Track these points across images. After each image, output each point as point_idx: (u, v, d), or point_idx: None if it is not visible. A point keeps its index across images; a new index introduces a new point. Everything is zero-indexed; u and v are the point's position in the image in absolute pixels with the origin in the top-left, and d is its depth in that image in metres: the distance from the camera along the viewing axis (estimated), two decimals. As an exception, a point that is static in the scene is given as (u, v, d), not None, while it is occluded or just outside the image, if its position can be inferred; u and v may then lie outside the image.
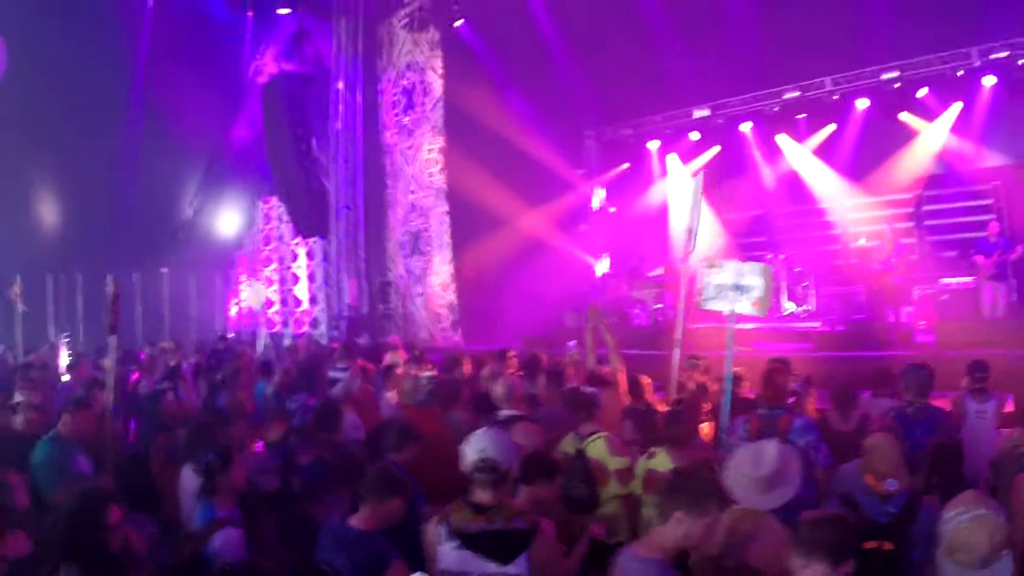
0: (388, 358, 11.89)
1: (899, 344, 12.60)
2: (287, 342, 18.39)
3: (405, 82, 20.14)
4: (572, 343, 11.15)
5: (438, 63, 19.20)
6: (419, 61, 19.71)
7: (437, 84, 19.20)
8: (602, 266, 21.01)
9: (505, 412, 6.55)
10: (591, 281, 20.83)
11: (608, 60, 18.17)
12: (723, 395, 6.28)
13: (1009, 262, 13.51)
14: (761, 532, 3.95)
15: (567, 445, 6.23)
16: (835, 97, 17.11)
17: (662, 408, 7.69)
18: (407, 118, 20.09)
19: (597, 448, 6.03)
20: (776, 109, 17.94)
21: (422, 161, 19.71)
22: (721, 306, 6.15)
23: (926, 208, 16.67)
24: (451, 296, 19.18)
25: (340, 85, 21.09)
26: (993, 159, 16.27)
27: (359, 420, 7.95)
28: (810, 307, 16.68)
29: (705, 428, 7.76)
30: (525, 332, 16.61)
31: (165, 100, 23.05)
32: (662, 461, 5.86)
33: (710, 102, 18.61)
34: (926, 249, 16.02)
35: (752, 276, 6.04)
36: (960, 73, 15.56)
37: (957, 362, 7.78)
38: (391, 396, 9.10)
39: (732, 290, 6.06)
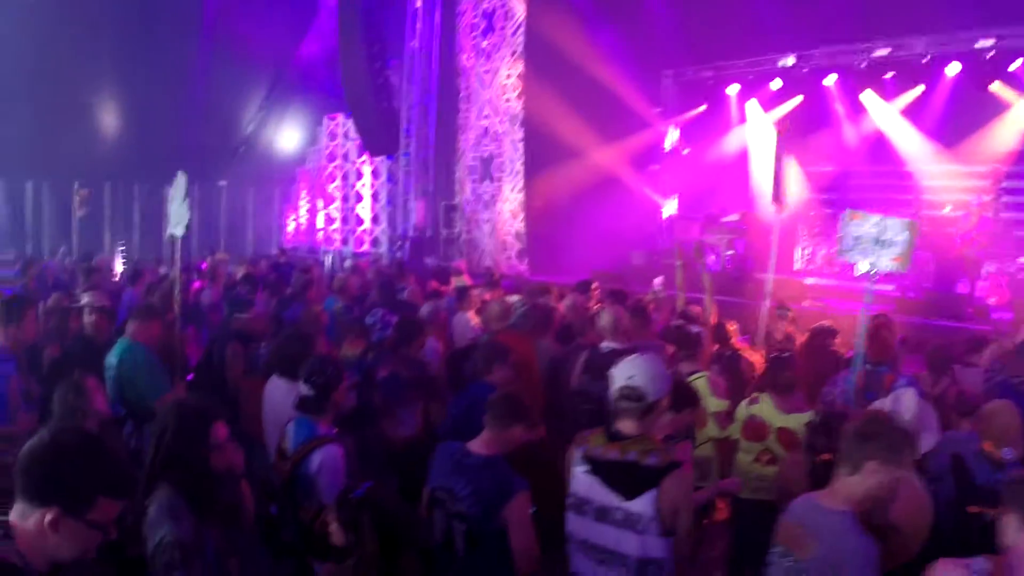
0: (454, 282, 11.93)
1: (975, 318, 12.41)
2: (348, 261, 18.39)
3: (486, 4, 19.79)
4: (658, 280, 10.93)
5: (522, -14, 18.75)
6: (502, -17, 19.32)
7: (520, 8, 18.80)
8: (669, 207, 20.78)
9: (608, 344, 6.46)
10: (659, 221, 20.71)
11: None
12: (855, 351, 6.08)
13: None
14: (903, 489, 3.69)
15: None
16: (926, 59, 16.58)
17: (750, 354, 7.65)
18: (486, 41, 19.79)
19: (699, 388, 5.94)
20: (863, 65, 17.47)
21: (499, 86, 19.44)
22: (859, 259, 5.90)
23: (1008, 184, 16.18)
24: (519, 224, 19.10)
25: (419, 3, 20.81)
26: None
27: (438, 343, 7.96)
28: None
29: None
30: (592, 267, 16.48)
31: (233, 12, 23.01)
32: (766, 408, 5.84)
33: (796, 51, 18.10)
34: (1005, 226, 15.57)
35: (896, 230, 5.75)
36: None
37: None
38: (469, 317, 9.12)
39: (873, 243, 5.78)
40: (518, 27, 18.80)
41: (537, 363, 6.91)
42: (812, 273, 17.26)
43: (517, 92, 18.89)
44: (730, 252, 17.11)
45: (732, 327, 8.18)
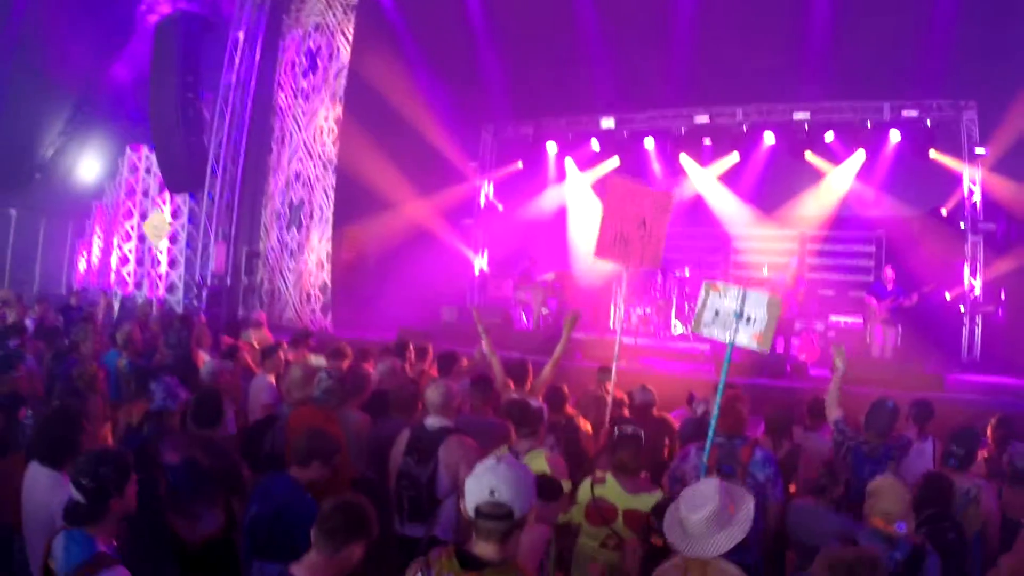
0: (253, 337, 10.83)
1: (794, 375, 12.67)
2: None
3: (311, 43, 18.78)
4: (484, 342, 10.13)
5: (349, 28, 17.86)
6: (329, 23, 18.36)
7: (345, 50, 17.86)
8: (479, 263, 20.48)
9: (436, 420, 5.62)
10: (471, 277, 20.37)
11: (520, 56, 17.68)
12: (710, 422, 5.61)
13: (902, 308, 13.84)
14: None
15: (500, 463, 5.49)
16: (743, 128, 17.35)
17: (583, 423, 7.07)
18: (306, 81, 18.76)
19: (536, 467, 5.24)
20: (683, 130, 18.02)
21: (315, 128, 18.40)
22: (719, 334, 5.48)
23: (814, 247, 17.13)
24: (325, 276, 17.91)
25: (240, 35, 19.60)
26: (888, 209, 16.76)
27: (232, 413, 6.97)
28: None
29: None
30: (400, 323, 15.73)
31: (41, 29, 21.30)
32: (612, 488, 5.25)
33: (616, 113, 18.44)
34: (811, 286, 16.14)
35: (756, 306, 5.39)
36: (868, 124, 16.28)
37: (848, 398, 7.28)
38: (270, 382, 8.09)
39: (733, 317, 5.39)
40: (341, 69, 17.84)
41: (345, 443, 6.00)
42: (627, 333, 17.11)
43: (333, 137, 17.92)
44: (544, 311, 16.86)
45: (567, 392, 7.58)
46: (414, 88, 17.16)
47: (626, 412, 7.64)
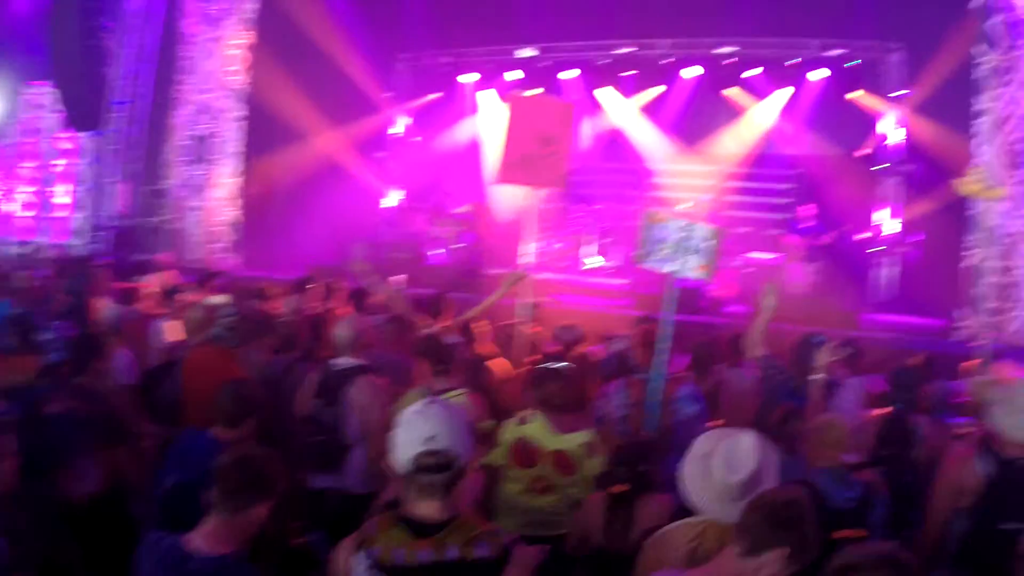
0: (156, 280, 10.25)
1: (709, 311, 12.75)
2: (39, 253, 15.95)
3: (219, -36, 17.73)
4: (397, 278, 9.65)
5: (260, -53, 16.85)
6: (238, -57, 17.37)
7: (255, -29, 16.89)
8: (393, 197, 19.97)
9: (345, 360, 5.22)
10: (384, 212, 19.80)
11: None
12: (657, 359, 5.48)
13: (820, 246, 14.02)
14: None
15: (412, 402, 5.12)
16: (668, 60, 17.10)
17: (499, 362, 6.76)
18: (215, 6, 17.62)
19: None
20: (606, 62, 17.63)
21: (223, 57, 17.37)
22: (661, 265, 5.24)
23: (740, 184, 16.99)
24: (234, 213, 17.24)
25: (143, -44, 18.43)
26: (810, 148, 16.77)
27: (132, 358, 6.48)
28: (615, 263, 16.50)
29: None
30: (311, 260, 15.15)
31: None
32: (538, 428, 4.95)
33: (538, 43, 17.90)
34: (730, 223, 15.98)
35: (701, 235, 5.16)
36: (796, 61, 16.22)
37: (769, 334, 7.20)
38: (172, 327, 7.58)
39: (676, 248, 5.15)
40: (251, -8, 16.90)
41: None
42: (542, 268, 16.88)
43: (243, 65, 17.04)
44: (460, 245, 16.49)
45: (482, 327, 7.25)
46: (328, 14, 16.27)
47: (550, 350, 7.36)
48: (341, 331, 5.33)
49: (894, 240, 15.50)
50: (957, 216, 12.45)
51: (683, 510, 3.50)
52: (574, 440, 4.87)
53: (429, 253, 16.93)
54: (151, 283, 9.90)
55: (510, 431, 5.01)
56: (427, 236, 17.21)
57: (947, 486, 4.53)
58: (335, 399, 5.01)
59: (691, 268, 5.28)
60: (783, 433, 5.30)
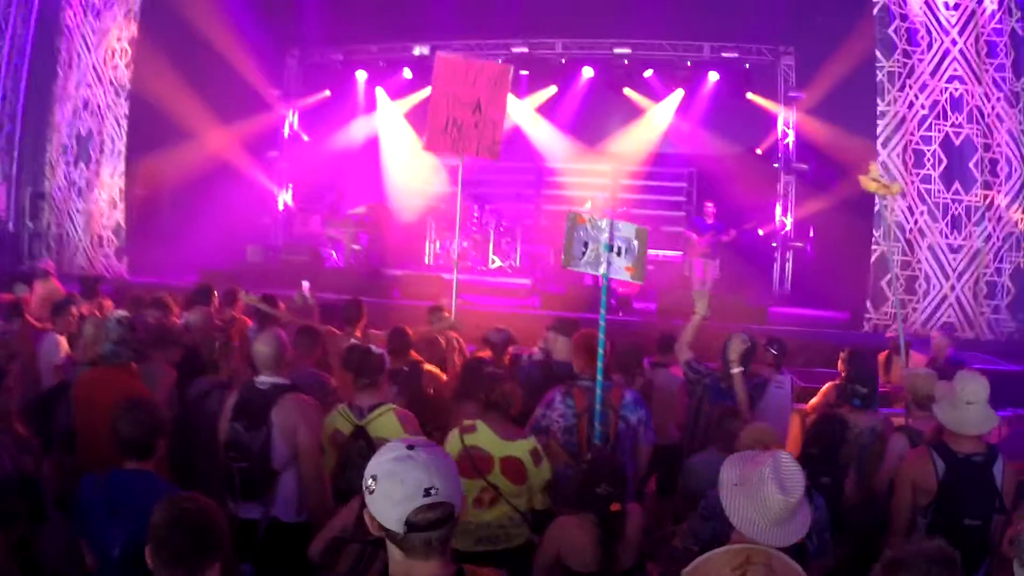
0: (40, 288, 9.56)
1: (619, 309, 12.86)
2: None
3: (101, -49, 16.74)
4: (306, 283, 9.15)
5: (144, -63, 15.95)
6: (121, -70, 16.43)
7: (139, -39, 15.99)
8: (284, 198, 19.52)
9: (268, 378, 4.78)
10: (276, 213, 19.32)
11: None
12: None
13: (720, 242, 14.49)
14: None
15: (338, 421, 4.83)
16: (563, 60, 17.35)
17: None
18: (98, -4, 16.79)
19: (386, 425, 4.70)
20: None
21: (106, 50, 16.47)
22: (590, 269, 5.10)
23: (639, 183, 17.30)
24: (119, 216, 16.29)
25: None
26: (704, 147, 17.21)
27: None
28: (514, 263, 16.56)
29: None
30: (202, 265, 14.61)
31: None
32: (484, 435, 4.76)
33: (431, 41, 17.62)
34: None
35: (627, 235, 5.08)
36: (689, 63, 16.76)
37: (673, 328, 7.62)
38: (60, 342, 7.01)
39: (604, 250, 5.03)
40: (135, -18, 16.00)
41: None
42: (445, 268, 16.60)
43: (127, 59, 16.16)
44: (356, 247, 16.24)
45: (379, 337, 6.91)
46: (216, 6, 15.59)
47: (481, 354, 7.08)
48: (261, 346, 4.86)
49: (787, 237, 16.18)
50: (854, 212, 12.78)
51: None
52: (522, 447, 4.74)
53: (327, 256, 16.62)
54: (34, 293, 9.26)
55: (454, 442, 4.76)
56: (323, 238, 16.82)
57: (906, 486, 4.55)
58: (258, 421, 4.62)
59: (619, 269, 5.21)
60: (721, 432, 5.33)
